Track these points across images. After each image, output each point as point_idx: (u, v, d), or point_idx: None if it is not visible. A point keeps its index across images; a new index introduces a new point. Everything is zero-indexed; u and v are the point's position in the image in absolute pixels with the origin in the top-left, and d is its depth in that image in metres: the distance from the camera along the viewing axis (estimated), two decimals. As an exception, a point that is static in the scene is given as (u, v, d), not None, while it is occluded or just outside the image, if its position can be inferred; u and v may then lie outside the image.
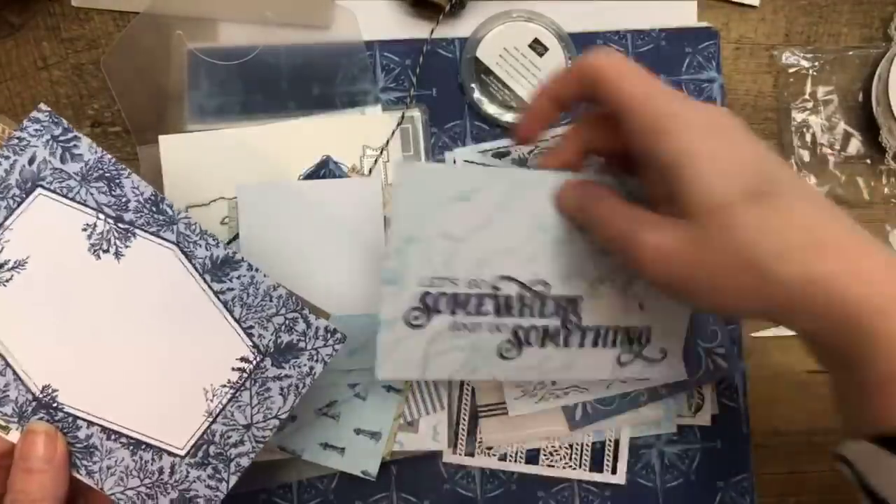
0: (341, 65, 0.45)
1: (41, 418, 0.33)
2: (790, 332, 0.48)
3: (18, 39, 0.45)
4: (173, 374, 0.34)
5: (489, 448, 0.45)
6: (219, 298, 0.34)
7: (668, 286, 0.30)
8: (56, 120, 0.34)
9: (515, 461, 0.45)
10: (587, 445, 0.45)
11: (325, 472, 0.44)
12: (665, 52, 0.47)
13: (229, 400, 0.34)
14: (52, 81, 0.45)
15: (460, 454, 0.45)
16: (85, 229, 0.34)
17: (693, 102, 0.30)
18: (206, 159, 0.44)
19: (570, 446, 0.45)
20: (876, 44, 0.49)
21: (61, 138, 0.34)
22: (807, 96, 0.49)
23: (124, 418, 0.34)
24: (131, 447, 0.34)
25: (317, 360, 0.35)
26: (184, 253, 0.34)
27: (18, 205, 0.33)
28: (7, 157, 0.33)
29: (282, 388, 0.35)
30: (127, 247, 0.34)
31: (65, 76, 0.45)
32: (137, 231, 0.34)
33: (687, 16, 0.48)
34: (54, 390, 0.33)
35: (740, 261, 0.27)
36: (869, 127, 0.48)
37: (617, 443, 0.45)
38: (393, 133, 0.45)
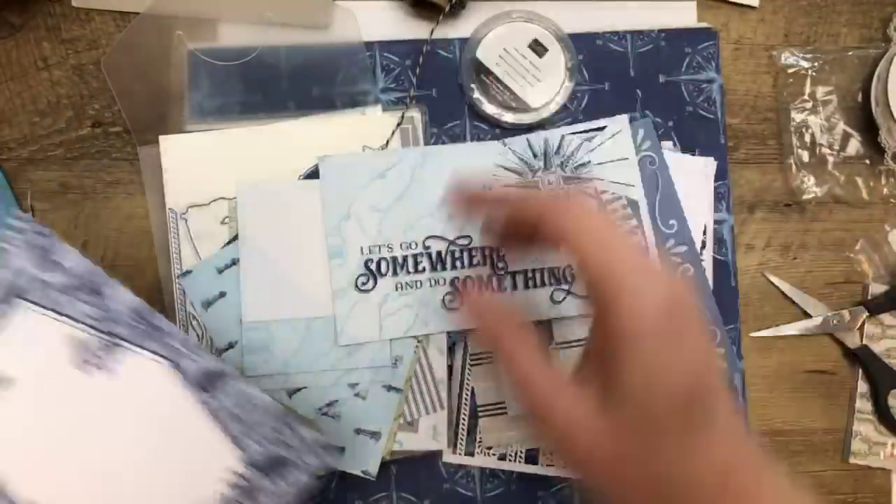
0: (341, 65, 0.45)
1: None
2: (789, 333, 0.48)
3: (19, 40, 0.45)
4: (166, 488, 0.33)
5: (489, 448, 0.45)
6: (210, 411, 0.33)
7: (576, 468, 0.27)
8: (38, 229, 0.32)
9: (515, 461, 0.45)
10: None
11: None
12: (665, 52, 0.47)
13: None
14: (52, 82, 0.45)
15: (460, 454, 0.45)
16: (70, 343, 0.32)
17: (653, 277, 0.26)
18: (206, 159, 0.44)
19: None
20: (875, 44, 0.49)
21: (44, 246, 0.32)
22: (806, 96, 0.49)
23: None
24: None
25: (307, 474, 0.34)
26: (174, 366, 0.33)
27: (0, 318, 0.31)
28: None
29: (273, 501, 0.33)
30: (115, 360, 0.32)
31: (65, 76, 0.45)
32: (125, 343, 0.32)
33: (687, 16, 0.48)
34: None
35: (653, 482, 0.26)
36: (868, 127, 0.48)
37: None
38: (393, 133, 0.45)
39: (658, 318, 0.25)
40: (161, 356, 0.32)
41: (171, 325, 0.33)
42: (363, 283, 0.43)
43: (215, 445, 0.33)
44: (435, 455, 0.45)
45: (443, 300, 0.43)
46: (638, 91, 0.47)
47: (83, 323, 0.32)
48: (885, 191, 0.49)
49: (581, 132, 0.46)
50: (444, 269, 0.43)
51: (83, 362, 0.32)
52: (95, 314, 0.32)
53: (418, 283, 0.43)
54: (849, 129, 0.49)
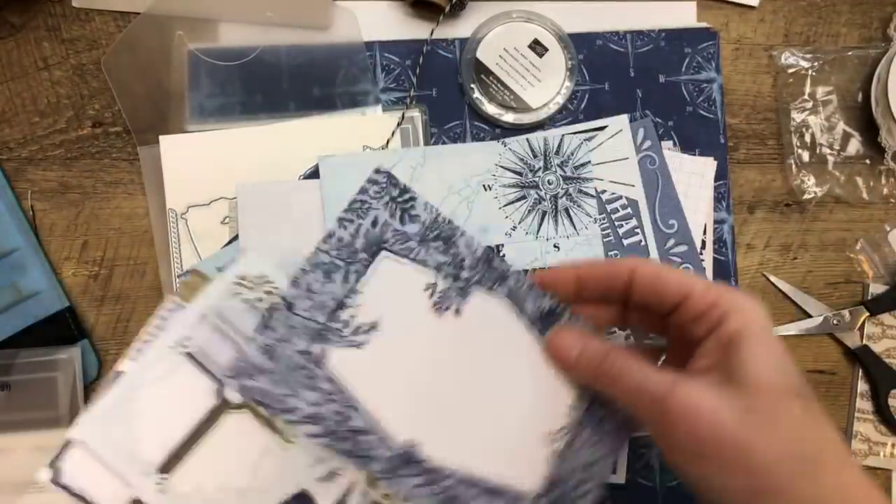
0: (341, 65, 0.46)
1: (408, 474, 0.33)
2: (789, 333, 0.48)
3: (19, 40, 0.45)
4: (516, 421, 0.34)
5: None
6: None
7: (699, 448, 0.29)
8: (394, 181, 0.35)
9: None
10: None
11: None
12: (665, 52, 0.47)
13: (567, 443, 0.34)
14: (52, 82, 0.45)
15: (460, 454, 0.45)
16: (427, 289, 0.34)
17: (745, 296, 0.31)
18: (207, 159, 0.44)
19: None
20: (875, 44, 0.49)
21: (399, 199, 0.35)
22: (806, 96, 0.49)
23: (478, 466, 0.33)
24: (487, 494, 0.33)
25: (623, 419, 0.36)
26: (516, 305, 0.35)
27: (366, 268, 0.34)
28: (351, 221, 0.34)
29: (612, 428, 0.35)
30: (465, 303, 0.34)
31: (65, 76, 0.45)
32: (473, 287, 0.35)
33: (687, 16, 0.48)
34: (416, 444, 0.33)
35: (790, 447, 0.28)
36: (868, 127, 0.48)
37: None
38: (393, 133, 0.45)
39: (767, 322, 0.30)
40: (505, 296, 0.35)
41: (511, 266, 0.35)
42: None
43: (552, 382, 0.35)
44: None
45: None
46: (638, 91, 0.47)
47: (437, 269, 0.35)
48: (885, 191, 0.49)
49: (581, 132, 0.46)
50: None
51: (439, 306, 0.34)
52: (447, 261, 0.35)
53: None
54: (849, 129, 0.49)
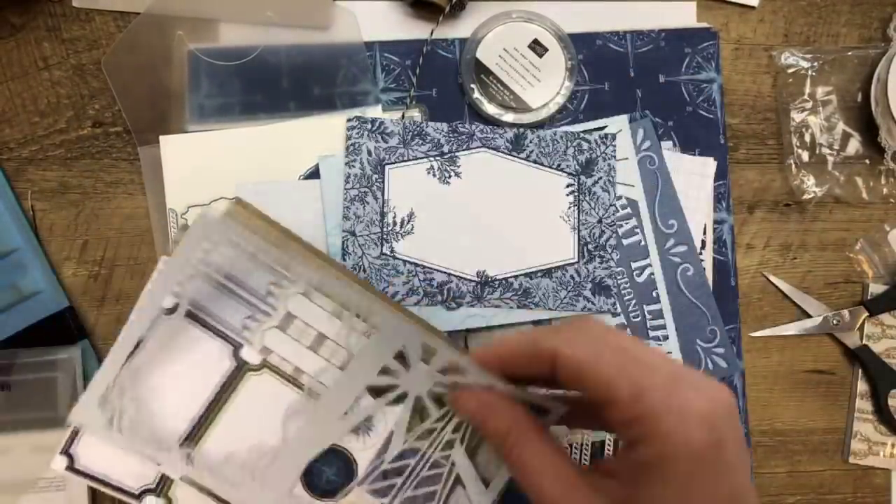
0: (341, 65, 0.46)
1: (491, 292, 0.43)
2: (788, 333, 0.48)
3: (19, 40, 0.45)
4: (537, 220, 0.44)
5: (489, 447, 0.45)
6: (527, 160, 0.44)
7: None
8: (364, 119, 0.44)
9: (515, 461, 0.45)
10: (587, 445, 0.45)
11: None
12: (665, 52, 0.47)
13: (578, 214, 0.44)
14: (52, 82, 0.45)
15: (460, 454, 0.45)
16: (428, 172, 0.44)
17: (692, 392, 0.25)
18: (206, 159, 0.44)
19: (570, 446, 0.45)
20: (875, 44, 0.49)
21: (373, 128, 0.43)
22: (806, 97, 0.49)
23: (529, 262, 0.44)
24: (546, 275, 0.44)
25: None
26: (491, 148, 0.44)
27: (383, 183, 0.43)
28: (354, 160, 0.43)
29: (600, 189, 0.44)
30: (458, 167, 0.43)
31: (65, 76, 0.45)
32: (457, 154, 0.43)
33: (686, 16, 0.48)
34: (484, 270, 0.43)
35: None
36: (868, 127, 0.48)
37: (617, 442, 0.45)
38: (393, 133, 0.45)
39: (693, 441, 0.24)
40: (482, 147, 0.44)
41: (474, 123, 0.45)
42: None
43: (548, 179, 0.44)
44: (435, 455, 0.45)
45: (446, 306, 0.44)
46: (638, 91, 0.47)
47: (427, 156, 0.44)
48: (885, 191, 0.49)
49: (581, 132, 0.46)
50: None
51: (442, 178, 0.44)
52: (429, 148, 0.44)
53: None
54: (848, 129, 0.49)
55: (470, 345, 0.45)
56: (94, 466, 0.33)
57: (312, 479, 0.34)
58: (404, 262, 0.43)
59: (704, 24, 0.48)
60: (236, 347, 0.34)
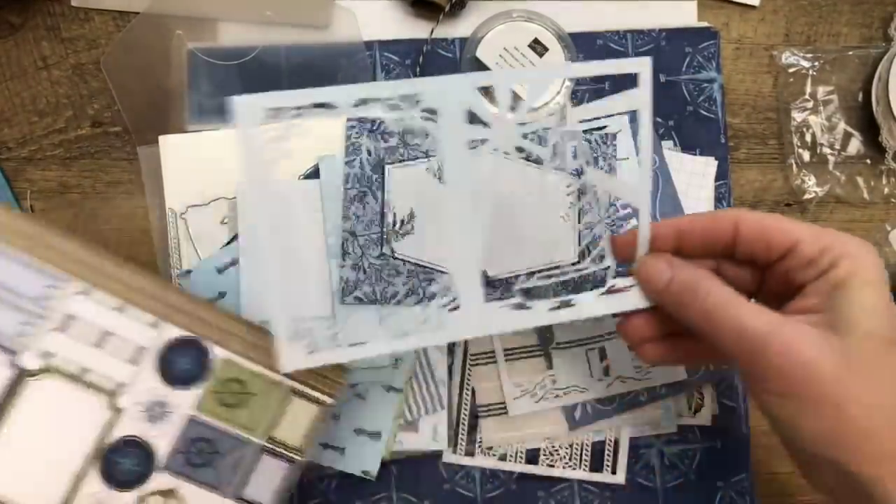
0: (341, 65, 0.45)
1: (494, 292, 0.43)
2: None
3: (18, 39, 0.45)
4: (540, 216, 0.44)
5: (489, 448, 0.45)
6: (527, 160, 0.44)
7: (792, 388, 0.29)
8: (363, 119, 0.43)
9: (515, 461, 0.45)
10: (587, 445, 0.45)
11: (326, 472, 0.44)
12: (665, 52, 0.47)
13: (578, 214, 0.44)
14: (52, 81, 0.45)
15: (460, 454, 0.45)
16: (427, 169, 0.44)
17: (849, 238, 0.31)
18: (206, 159, 0.44)
19: (570, 446, 0.45)
20: (876, 44, 0.49)
21: (373, 128, 0.43)
22: (807, 96, 0.49)
23: (530, 260, 0.44)
24: (545, 276, 0.43)
25: None
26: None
27: (383, 182, 0.43)
28: (353, 160, 0.43)
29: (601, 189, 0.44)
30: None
31: (65, 76, 0.45)
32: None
33: (687, 16, 0.48)
34: (485, 269, 0.43)
35: (885, 397, 0.28)
36: (869, 127, 0.48)
37: (617, 443, 0.45)
38: (393, 133, 0.45)
39: (878, 270, 0.30)
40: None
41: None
42: None
43: (553, 176, 0.44)
44: (435, 455, 0.45)
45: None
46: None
47: (426, 156, 0.44)
48: (886, 190, 0.49)
49: (581, 132, 0.46)
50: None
51: (437, 176, 0.44)
52: (429, 147, 0.44)
53: None
54: (849, 129, 0.49)
55: (470, 347, 0.45)
56: None
57: (108, 471, 0.34)
58: (404, 262, 0.43)
59: (705, 24, 0.48)
60: (13, 354, 0.33)
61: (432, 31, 0.46)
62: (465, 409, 0.45)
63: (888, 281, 0.30)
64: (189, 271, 0.43)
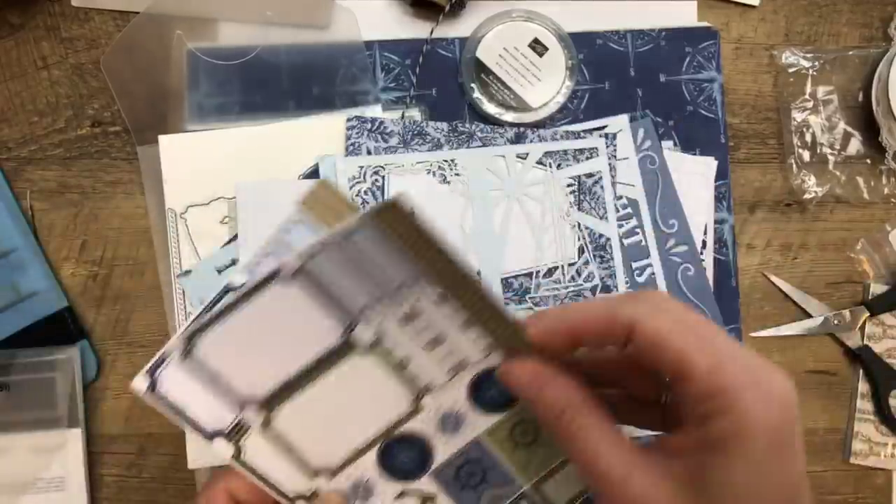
0: (341, 65, 0.45)
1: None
2: (789, 333, 0.48)
3: (18, 39, 0.45)
4: (541, 225, 0.45)
5: (489, 448, 0.45)
6: (528, 159, 0.46)
7: None
8: (363, 119, 0.44)
9: (515, 461, 0.45)
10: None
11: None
12: (665, 51, 0.47)
13: (578, 214, 0.45)
14: (51, 81, 0.45)
15: (460, 454, 0.45)
16: (429, 171, 0.44)
17: (768, 375, 0.25)
18: (206, 159, 0.44)
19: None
20: (876, 44, 0.49)
21: (373, 128, 0.44)
22: (807, 96, 0.48)
23: (516, 264, 0.45)
24: (529, 277, 0.44)
25: None
26: (488, 144, 0.46)
27: (383, 182, 0.43)
28: (354, 160, 0.44)
29: (600, 189, 0.45)
30: (458, 167, 0.45)
31: (65, 76, 0.45)
32: (456, 153, 0.45)
33: (687, 16, 0.48)
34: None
35: None
36: (869, 127, 0.48)
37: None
38: (393, 133, 0.45)
39: (772, 420, 0.24)
40: (482, 145, 0.45)
41: (475, 128, 0.46)
42: None
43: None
44: (435, 455, 0.45)
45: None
46: (638, 90, 0.47)
47: (429, 162, 0.45)
48: (886, 190, 0.49)
49: (581, 132, 0.46)
50: None
51: (441, 180, 0.45)
52: (428, 147, 0.45)
53: None
54: (849, 129, 0.49)
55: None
56: (172, 395, 0.32)
57: (385, 457, 0.34)
58: None
59: (705, 24, 0.48)
60: (350, 325, 0.33)
61: (432, 31, 0.46)
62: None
63: (794, 445, 0.25)
64: (189, 271, 0.43)
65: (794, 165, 0.48)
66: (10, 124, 0.45)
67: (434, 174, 0.44)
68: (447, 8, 0.45)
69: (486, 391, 0.34)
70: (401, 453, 0.34)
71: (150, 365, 0.31)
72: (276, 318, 0.32)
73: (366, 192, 0.43)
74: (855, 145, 0.49)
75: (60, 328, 0.44)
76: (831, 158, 0.48)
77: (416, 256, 0.31)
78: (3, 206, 0.44)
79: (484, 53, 0.46)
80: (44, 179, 0.45)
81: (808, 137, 0.48)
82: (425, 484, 0.35)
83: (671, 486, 0.25)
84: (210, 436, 0.32)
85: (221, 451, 0.32)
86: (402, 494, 0.34)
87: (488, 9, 0.47)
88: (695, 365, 0.25)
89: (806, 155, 0.48)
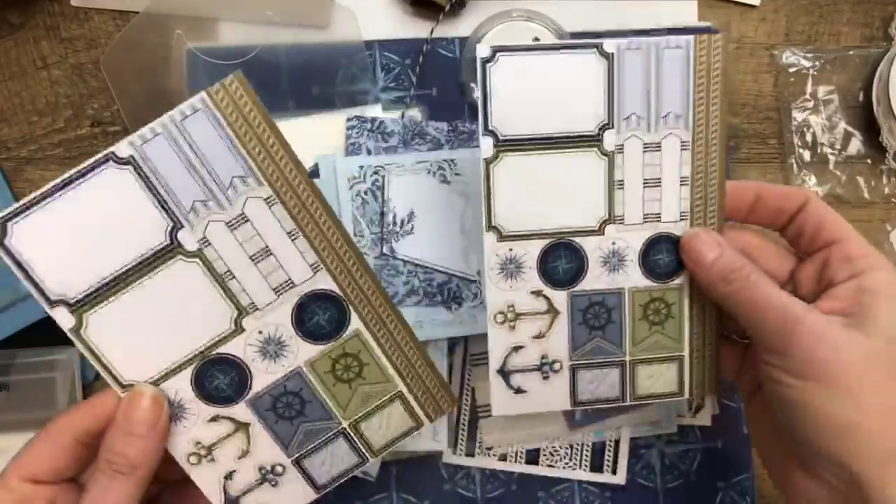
0: (341, 64, 0.45)
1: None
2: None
3: (18, 39, 0.45)
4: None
5: (489, 448, 0.45)
6: None
7: (815, 370, 0.30)
8: (363, 119, 0.44)
9: (515, 461, 0.45)
10: (587, 445, 0.45)
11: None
12: (665, 51, 0.47)
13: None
14: (51, 81, 0.45)
15: (460, 454, 0.45)
16: (429, 172, 0.43)
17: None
18: (206, 159, 0.44)
19: (570, 446, 0.45)
20: (876, 43, 0.49)
21: (372, 127, 0.43)
22: (807, 96, 0.48)
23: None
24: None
25: None
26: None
27: (383, 182, 0.43)
28: (353, 159, 0.44)
29: None
30: (458, 166, 0.44)
31: (64, 76, 0.45)
32: (456, 152, 0.44)
33: (687, 15, 0.48)
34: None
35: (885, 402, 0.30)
36: (869, 127, 0.48)
37: (617, 443, 0.45)
38: (393, 133, 0.45)
39: None
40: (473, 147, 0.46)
41: (474, 128, 0.45)
42: None
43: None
44: (435, 456, 0.45)
45: (447, 306, 0.43)
46: (639, 90, 0.47)
47: (428, 159, 0.44)
48: (887, 190, 0.49)
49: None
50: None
51: (442, 179, 0.44)
52: (429, 146, 0.45)
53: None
54: (850, 129, 0.49)
55: (470, 347, 0.45)
56: (23, 250, 0.30)
57: (200, 380, 0.33)
58: (404, 262, 0.43)
59: (706, 23, 0.48)
60: (175, 226, 0.32)
61: (432, 31, 0.46)
62: (465, 409, 0.45)
63: None
64: (189, 271, 0.43)
65: (795, 165, 0.48)
66: (9, 124, 0.45)
67: (434, 174, 0.44)
68: (447, 8, 0.45)
69: (310, 317, 0.34)
70: (216, 377, 0.34)
71: (6, 211, 0.30)
72: (103, 208, 0.31)
73: (366, 193, 0.43)
74: (855, 145, 0.49)
75: (60, 329, 0.44)
76: (832, 158, 0.48)
77: (246, 145, 0.31)
78: (3, 206, 0.44)
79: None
80: (43, 179, 0.45)
81: (808, 137, 0.48)
82: (240, 411, 0.34)
83: (839, 323, 0.31)
84: (52, 302, 0.31)
85: (62, 320, 0.31)
86: (215, 418, 0.34)
87: (488, 8, 0.47)
88: (850, 233, 0.33)
89: (806, 155, 0.48)
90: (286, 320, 0.34)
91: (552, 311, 0.35)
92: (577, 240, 0.35)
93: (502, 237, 0.35)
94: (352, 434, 0.35)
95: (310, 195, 0.33)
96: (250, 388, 0.34)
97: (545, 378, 0.36)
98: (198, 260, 0.32)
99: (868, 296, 0.31)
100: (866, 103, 0.48)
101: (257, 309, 0.33)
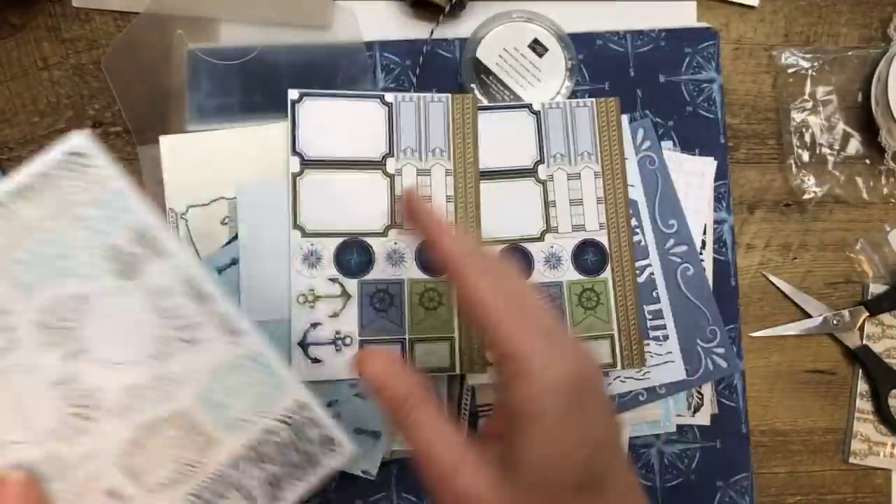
0: (341, 65, 0.45)
1: None
2: (789, 333, 0.48)
3: (19, 40, 0.45)
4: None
5: (489, 448, 0.45)
6: None
7: None
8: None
9: (515, 461, 0.45)
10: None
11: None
12: (665, 52, 0.47)
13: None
14: (52, 82, 0.45)
15: (460, 454, 0.45)
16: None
17: (559, 351, 0.26)
18: (206, 159, 0.44)
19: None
20: (875, 44, 0.49)
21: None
22: (806, 96, 0.49)
23: None
24: None
25: None
26: None
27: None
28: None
29: None
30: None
31: (65, 76, 0.45)
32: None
33: (687, 16, 0.48)
34: None
35: None
36: (868, 127, 0.48)
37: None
38: (393, 133, 0.45)
39: (560, 395, 0.25)
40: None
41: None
42: None
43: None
44: (435, 455, 0.45)
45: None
46: (638, 91, 0.47)
47: None
48: (885, 190, 0.49)
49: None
50: None
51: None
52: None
53: None
54: (849, 129, 0.49)
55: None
56: (300, 115, 0.43)
57: (342, 252, 0.42)
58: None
59: (705, 24, 0.48)
60: (386, 154, 0.43)
61: (432, 32, 0.46)
62: (465, 409, 0.45)
63: (592, 406, 0.26)
64: (189, 271, 0.43)
65: (794, 166, 0.48)
66: (10, 125, 0.45)
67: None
68: (447, 8, 0.45)
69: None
70: (352, 255, 0.43)
71: None
72: (359, 120, 0.44)
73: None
74: (854, 145, 0.49)
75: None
76: (830, 159, 0.49)
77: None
78: (4, 206, 0.44)
79: (484, 54, 0.46)
80: (44, 179, 0.45)
81: (807, 138, 0.48)
82: (350, 286, 0.42)
83: (493, 474, 0.26)
84: (296, 151, 0.43)
85: (292, 164, 0.43)
86: (334, 279, 0.42)
87: (488, 9, 0.47)
88: (498, 324, 0.26)
89: (805, 155, 0.48)
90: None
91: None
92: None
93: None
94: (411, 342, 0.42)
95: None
96: (368, 273, 0.42)
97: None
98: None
99: (514, 421, 0.25)
100: (865, 104, 0.48)
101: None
